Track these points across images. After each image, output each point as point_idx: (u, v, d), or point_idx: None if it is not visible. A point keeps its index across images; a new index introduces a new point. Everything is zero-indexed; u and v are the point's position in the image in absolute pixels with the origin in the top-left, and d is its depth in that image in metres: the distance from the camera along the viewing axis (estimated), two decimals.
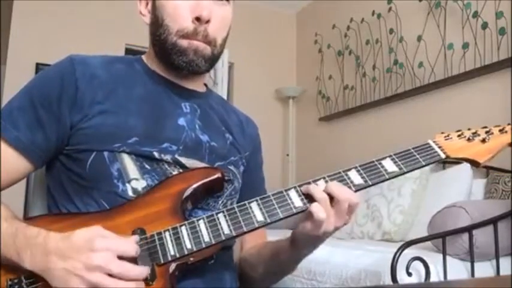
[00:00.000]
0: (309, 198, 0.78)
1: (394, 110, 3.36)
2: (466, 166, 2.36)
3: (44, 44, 3.51)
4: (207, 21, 0.89)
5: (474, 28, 2.75)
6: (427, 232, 1.80)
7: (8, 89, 3.26)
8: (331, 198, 0.78)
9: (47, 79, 0.87)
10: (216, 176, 0.85)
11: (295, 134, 4.30)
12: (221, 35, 0.93)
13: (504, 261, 1.76)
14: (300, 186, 0.80)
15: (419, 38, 3.12)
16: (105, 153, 0.84)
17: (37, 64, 3.42)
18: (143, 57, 0.99)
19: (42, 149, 0.85)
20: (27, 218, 0.83)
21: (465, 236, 1.68)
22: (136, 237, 0.74)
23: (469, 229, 1.67)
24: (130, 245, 0.71)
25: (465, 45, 2.79)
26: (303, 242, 0.85)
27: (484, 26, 2.68)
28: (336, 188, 0.78)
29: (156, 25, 0.91)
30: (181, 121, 0.92)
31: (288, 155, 4.20)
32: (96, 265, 0.66)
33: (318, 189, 0.78)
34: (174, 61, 0.90)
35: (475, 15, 2.74)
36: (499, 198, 2.24)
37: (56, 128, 0.84)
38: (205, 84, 1.05)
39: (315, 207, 0.76)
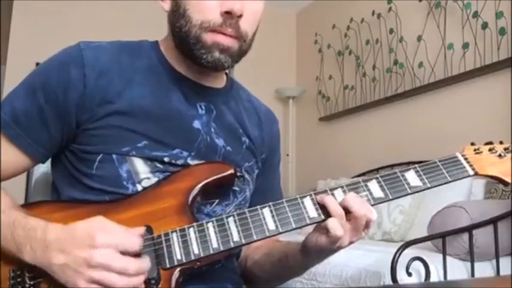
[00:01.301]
0: (324, 209, 0.75)
1: (394, 110, 3.36)
2: None
3: (44, 44, 3.50)
4: (239, 16, 0.81)
5: (474, 28, 2.75)
6: (427, 232, 1.80)
7: (8, 89, 3.24)
8: (348, 212, 0.74)
9: (53, 72, 0.81)
10: (228, 173, 0.81)
11: (295, 134, 4.29)
12: (252, 29, 0.85)
13: (504, 261, 1.76)
14: (316, 194, 0.76)
15: (419, 38, 3.12)
16: (114, 156, 0.80)
17: (37, 64, 3.42)
18: (161, 45, 0.91)
19: (45, 147, 0.82)
20: (29, 204, 0.81)
21: (465, 236, 1.68)
22: (141, 230, 0.70)
23: (469, 229, 1.67)
24: (133, 239, 0.67)
25: (465, 45, 2.79)
26: (315, 253, 0.82)
27: (484, 26, 2.68)
28: (354, 202, 0.73)
29: (177, 14, 0.83)
30: (197, 124, 0.86)
31: (288, 155, 4.19)
32: (97, 262, 0.64)
33: (334, 203, 0.74)
34: (197, 58, 0.82)
35: (475, 15, 2.74)
36: (499, 198, 2.24)
37: (61, 125, 0.81)
38: (227, 73, 0.98)
39: (332, 224, 0.73)
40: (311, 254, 0.82)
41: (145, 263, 0.67)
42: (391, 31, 3.37)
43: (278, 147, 1.06)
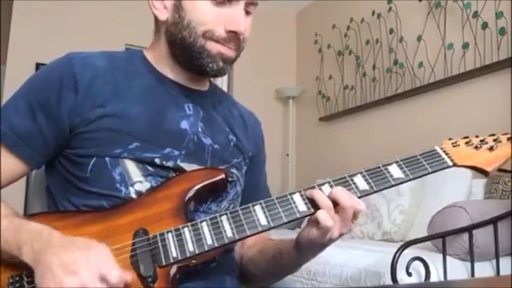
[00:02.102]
0: (313, 203, 0.78)
1: (394, 110, 3.36)
2: None
3: (44, 44, 3.51)
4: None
5: (474, 28, 2.75)
6: (427, 232, 1.80)
7: (8, 89, 3.26)
8: (336, 204, 0.77)
9: (46, 83, 0.85)
10: (219, 177, 0.85)
11: (295, 134, 4.29)
12: (247, 39, 0.92)
13: (504, 261, 1.76)
14: (305, 190, 0.79)
15: (419, 38, 3.12)
16: (107, 159, 0.82)
17: (37, 64, 3.42)
18: (145, 53, 0.95)
19: (41, 154, 0.84)
20: (28, 215, 0.83)
21: (465, 236, 1.68)
22: (128, 276, 0.69)
23: (469, 229, 1.67)
24: (118, 274, 0.67)
25: (465, 45, 2.79)
26: (308, 247, 0.84)
27: (484, 26, 2.68)
28: (341, 194, 0.77)
29: (180, 26, 0.87)
30: (184, 124, 0.89)
31: (287, 155, 4.20)
32: (74, 270, 0.65)
33: (322, 196, 0.77)
34: (202, 66, 0.88)
35: (475, 15, 2.74)
36: (499, 198, 2.23)
37: (56, 132, 0.83)
38: (209, 80, 1.02)
39: (321, 215, 0.76)
40: (304, 248, 0.85)
41: None
42: (391, 31, 3.37)
43: (263, 147, 1.10)
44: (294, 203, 0.78)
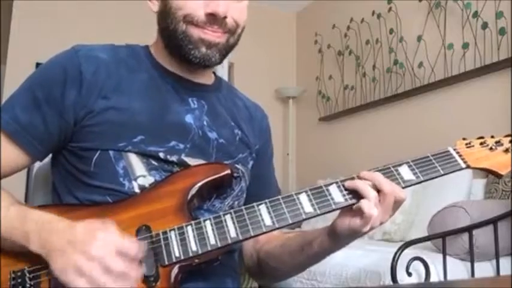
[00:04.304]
0: (353, 194, 0.77)
1: (394, 110, 3.36)
2: None
3: (44, 44, 3.50)
4: (224, 17, 0.84)
5: (474, 28, 2.75)
6: (427, 232, 1.80)
7: (8, 89, 3.26)
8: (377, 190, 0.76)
9: (51, 76, 0.84)
10: (225, 173, 0.83)
11: (295, 134, 4.29)
12: (239, 23, 0.89)
13: (504, 261, 1.76)
14: (342, 181, 0.78)
15: (419, 38, 3.12)
16: (111, 152, 0.82)
17: (37, 64, 3.42)
18: (150, 47, 0.95)
19: (43, 145, 0.84)
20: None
21: (465, 236, 1.68)
22: (144, 243, 0.71)
23: (469, 229, 1.67)
24: (133, 244, 0.68)
25: (465, 45, 2.79)
26: (347, 237, 0.83)
27: (484, 26, 2.68)
28: (383, 182, 0.76)
29: (164, 14, 0.87)
30: (189, 118, 0.89)
31: (288, 154, 4.20)
32: (94, 255, 0.64)
33: (366, 185, 0.76)
34: (186, 53, 0.86)
35: (475, 15, 2.74)
36: (499, 198, 2.24)
37: (59, 124, 0.83)
38: (214, 73, 1.01)
39: (366, 204, 0.75)
40: (342, 237, 0.82)
41: (139, 271, 0.67)
42: (391, 31, 3.37)
43: (270, 140, 1.08)
44: (301, 203, 0.76)
